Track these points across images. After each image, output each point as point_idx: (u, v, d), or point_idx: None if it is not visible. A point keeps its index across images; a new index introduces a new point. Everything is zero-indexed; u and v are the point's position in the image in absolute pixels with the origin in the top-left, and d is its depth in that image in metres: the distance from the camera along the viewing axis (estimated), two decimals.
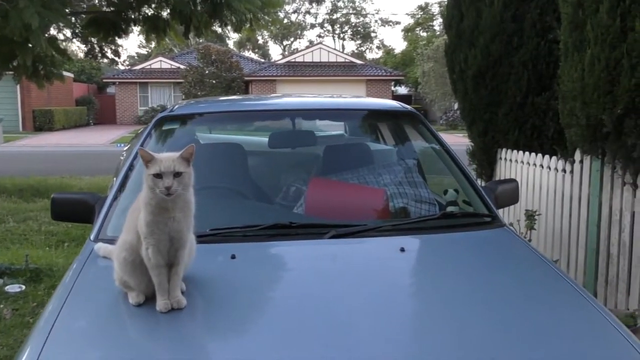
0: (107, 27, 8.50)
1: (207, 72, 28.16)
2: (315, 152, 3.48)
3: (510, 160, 5.65)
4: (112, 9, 8.74)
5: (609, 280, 4.24)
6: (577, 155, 4.56)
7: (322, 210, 2.77)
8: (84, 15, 9.31)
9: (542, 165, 5.12)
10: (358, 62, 35.28)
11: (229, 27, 9.26)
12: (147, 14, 8.76)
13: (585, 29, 3.88)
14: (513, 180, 3.11)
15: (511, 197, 3.05)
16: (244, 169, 3.18)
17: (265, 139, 3.52)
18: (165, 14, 8.78)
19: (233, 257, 2.14)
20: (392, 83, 36.55)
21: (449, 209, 2.94)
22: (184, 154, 1.84)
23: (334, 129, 4.48)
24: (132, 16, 8.60)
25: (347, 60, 34.50)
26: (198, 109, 3.37)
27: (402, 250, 2.27)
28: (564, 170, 4.80)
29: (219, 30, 10.77)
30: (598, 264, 4.36)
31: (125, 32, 8.86)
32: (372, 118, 3.43)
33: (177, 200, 1.82)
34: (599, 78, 3.81)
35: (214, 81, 27.86)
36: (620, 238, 4.10)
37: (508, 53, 5.60)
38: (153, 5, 8.69)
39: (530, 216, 4.74)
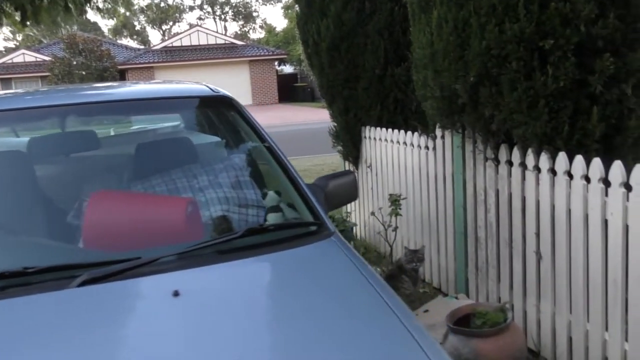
0: None
1: (75, 62, 26.17)
2: (127, 152, 2.77)
3: (374, 138, 5.18)
4: None
5: (479, 267, 3.85)
6: (439, 131, 4.12)
7: (101, 237, 2.09)
8: None
9: (405, 143, 4.67)
10: (239, 43, 34.28)
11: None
12: None
13: None
14: (348, 174, 2.56)
15: (347, 193, 2.52)
16: (24, 184, 2.41)
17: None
18: None
19: None
20: (276, 62, 35.86)
21: (270, 217, 2.33)
22: None
23: (164, 121, 3.78)
24: None
25: (227, 42, 33.41)
26: None
27: (176, 294, 1.64)
28: (427, 148, 4.36)
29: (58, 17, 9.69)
30: (467, 248, 3.97)
31: None
32: (176, 107, 2.74)
33: None
34: (448, 42, 3.33)
35: (83, 72, 25.95)
36: (486, 219, 3.70)
37: (362, 21, 5.09)
38: None
39: (395, 201, 4.28)
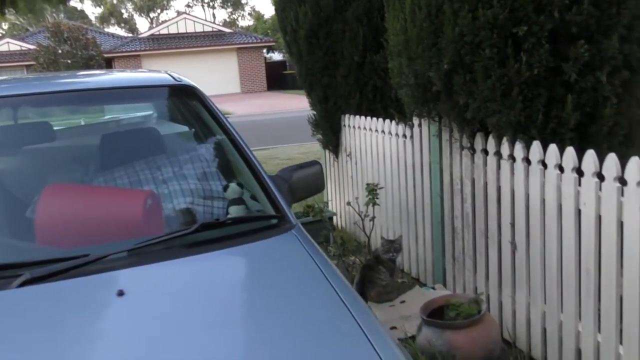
0: None
1: (60, 51, 25.84)
2: (92, 143, 2.68)
3: (354, 127, 5.10)
4: None
5: (455, 257, 3.80)
6: (416, 119, 4.05)
7: (51, 233, 2.01)
8: None
9: (383, 131, 4.60)
10: (227, 30, 34.00)
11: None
12: None
13: None
14: (314, 164, 2.48)
15: (313, 185, 2.44)
16: None
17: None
18: None
19: None
20: (265, 50, 35.61)
21: (231, 210, 2.26)
22: None
23: (137, 110, 3.68)
24: None
25: (215, 30, 33.12)
26: None
27: (120, 294, 1.56)
28: (405, 136, 4.29)
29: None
30: (444, 238, 3.92)
31: None
32: (136, 97, 2.65)
33: None
34: (422, 29, 3.25)
35: (69, 61, 25.63)
36: (463, 209, 3.65)
37: (340, 7, 5.00)
38: None
39: (372, 190, 4.20)
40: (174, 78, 2.60)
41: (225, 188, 2.32)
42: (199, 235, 1.92)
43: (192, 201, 2.23)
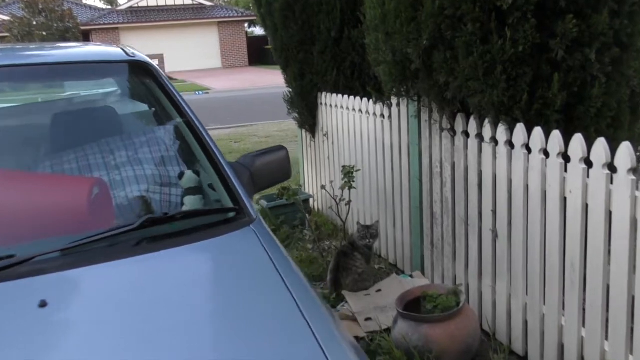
0: None
1: (35, 23, 25.13)
2: (40, 123, 2.46)
3: (330, 105, 4.89)
4: None
5: (434, 243, 3.64)
6: (394, 98, 3.85)
7: None
8: None
9: (361, 111, 4.40)
10: (208, 3, 33.31)
11: None
12: None
13: None
14: (280, 149, 2.28)
15: (278, 172, 2.25)
16: None
17: None
18: None
19: None
20: (246, 24, 35.03)
21: (186, 201, 2.06)
22: None
23: (99, 87, 3.42)
24: None
25: (196, 3, 32.45)
26: None
27: (43, 305, 1.36)
28: (383, 116, 4.09)
29: None
30: (423, 224, 3.75)
31: None
32: (84, 73, 2.40)
33: None
34: (400, 2, 3.03)
35: (44, 33, 24.94)
36: (442, 194, 3.47)
37: None
38: None
39: (348, 173, 4.02)
40: (126, 53, 2.37)
41: (180, 176, 2.11)
42: (145, 232, 1.72)
43: (143, 191, 2.01)
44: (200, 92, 19.54)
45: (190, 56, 30.50)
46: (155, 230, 1.74)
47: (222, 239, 1.74)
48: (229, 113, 14.20)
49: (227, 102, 16.75)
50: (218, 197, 2.04)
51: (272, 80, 21.95)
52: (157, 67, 2.36)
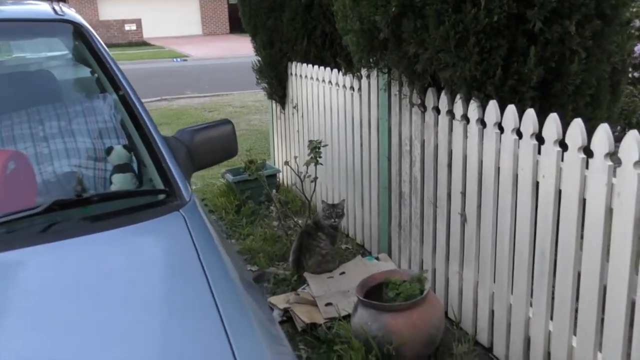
0: None
1: None
2: None
3: (300, 75, 4.66)
4: None
5: (402, 225, 3.47)
6: (365, 70, 3.63)
7: None
8: None
9: (330, 82, 4.18)
10: None
11: None
12: None
13: None
14: (225, 123, 2.07)
15: (222, 149, 2.04)
16: None
17: None
18: None
19: None
20: None
21: (116, 179, 1.85)
22: None
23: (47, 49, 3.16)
24: None
25: None
26: None
27: None
28: (352, 88, 3.88)
29: None
30: (391, 204, 3.57)
31: None
32: (5, 33, 2.15)
33: None
34: None
35: None
36: (411, 173, 3.29)
37: None
38: None
39: (315, 148, 3.81)
40: (55, 11, 2.12)
41: (109, 151, 1.89)
42: (56, 216, 1.52)
43: (65, 167, 1.80)
44: (178, 60, 19.08)
45: (170, 22, 29.80)
46: (68, 213, 1.55)
47: (143, 225, 1.55)
48: (206, 81, 13.86)
49: (205, 70, 16.36)
50: (149, 177, 1.83)
51: (252, 49, 21.53)
52: (90, 28, 2.12)
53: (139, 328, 1.24)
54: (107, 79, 1.97)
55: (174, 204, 1.66)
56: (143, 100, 2.01)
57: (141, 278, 1.38)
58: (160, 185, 1.75)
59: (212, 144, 1.99)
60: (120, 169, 1.88)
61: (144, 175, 1.87)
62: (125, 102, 1.93)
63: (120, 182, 1.85)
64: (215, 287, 1.35)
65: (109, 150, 1.89)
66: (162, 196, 1.72)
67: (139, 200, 1.73)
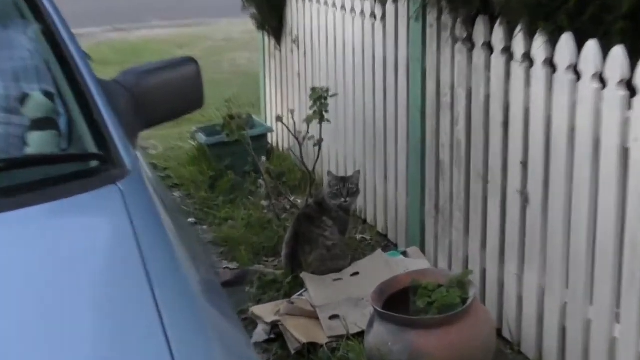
0: None
1: None
2: None
3: None
4: None
5: (440, 207, 3.54)
6: None
7: None
8: None
9: (344, 7, 4.30)
10: None
11: None
12: None
13: None
14: (187, 62, 2.13)
15: (183, 98, 2.11)
16: None
17: None
18: None
19: None
20: None
21: (33, 138, 1.95)
22: None
23: None
24: None
25: None
26: None
27: None
28: (374, 16, 3.98)
29: None
30: (425, 177, 3.66)
31: None
32: None
33: None
34: None
35: None
36: (453, 135, 3.37)
37: None
38: None
39: (320, 98, 3.89)
40: None
41: (23, 100, 1.94)
42: None
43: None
44: None
45: None
46: None
47: (66, 202, 1.60)
48: (185, 4, 13.83)
49: None
50: (80, 134, 1.88)
51: None
52: None
53: (60, 330, 1.31)
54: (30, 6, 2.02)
55: (110, 174, 1.70)
56: (85, 30, 2.06)
57: (58, 269, 1.45)
58: (92, 148, 1.80)
59: (168, 91, 2.04)
60: (38, 124, 1.93)
61: (72, 134, 1.92)
62: (49, 31, 1.97)
63: (37, 142, 1.90)
64: (156, 282, 1.42)
65: (23, 99, 1.94)
66: (94, 163, 1.77)
67: (62, 168, 1.77)
